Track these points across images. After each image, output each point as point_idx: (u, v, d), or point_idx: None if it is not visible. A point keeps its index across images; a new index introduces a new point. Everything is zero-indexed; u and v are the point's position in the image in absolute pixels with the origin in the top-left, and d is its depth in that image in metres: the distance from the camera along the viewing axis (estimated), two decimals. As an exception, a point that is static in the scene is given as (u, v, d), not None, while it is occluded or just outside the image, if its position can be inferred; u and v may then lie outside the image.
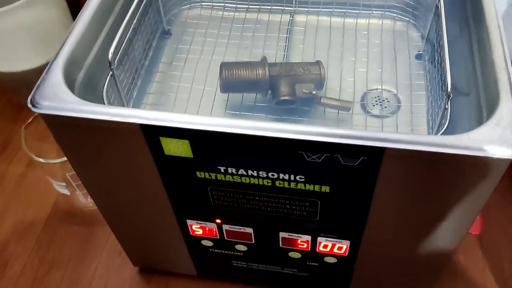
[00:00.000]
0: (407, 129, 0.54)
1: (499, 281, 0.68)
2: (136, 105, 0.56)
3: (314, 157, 0.41)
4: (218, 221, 0.53)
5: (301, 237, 0.53)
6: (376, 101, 0.56)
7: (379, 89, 0.57)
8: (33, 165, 0.82)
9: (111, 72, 0.48)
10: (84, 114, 0.40)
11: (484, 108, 0.43)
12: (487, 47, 0.45)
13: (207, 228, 0.55)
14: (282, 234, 0.54)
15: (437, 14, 0.54)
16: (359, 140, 0.39)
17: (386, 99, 0.56)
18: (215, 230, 0.55)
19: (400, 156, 0.40)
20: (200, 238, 0.57)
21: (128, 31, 0.52)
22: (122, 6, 0.53)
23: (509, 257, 0.70)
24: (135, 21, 0.53)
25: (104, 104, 0.47)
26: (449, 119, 0.46)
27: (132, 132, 0.42)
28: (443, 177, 0.41)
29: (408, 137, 0.39)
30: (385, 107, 0.56)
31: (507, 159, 0.38)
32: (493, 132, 0.38)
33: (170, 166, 0.46)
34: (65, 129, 0.43)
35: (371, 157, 0.40)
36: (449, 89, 0.44)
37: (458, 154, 0.38)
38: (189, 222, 0.54)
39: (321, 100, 0.53)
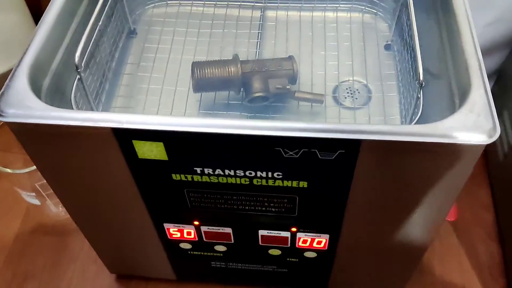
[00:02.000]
0: (380, 119, 0.54)
1: (475, 266, 0.69)
2: (106, 109, 0.54)
3: (291, 153, 0.40)
4: (196, 223, 0.53)
5: (280, 233, 0.53)
6: (347, 93, 0.56)
7: (350, 80, 0.57)
8: (-1, 177, 0.79)
9: (78, 76, 0.47)
10: (53, 121, 0.39)
11: (456, 96, 0.43)
12: (456, 35, 0.45)
13: (185, 231, 0.54)
14: (262, 232, 0.53)
15: (405, 5, 0.54)
16: (335, 134, 0.38)
17: (357, 90, 0.56)
18: (194, 232, 0.54)
19: (376, 147, 0.40)
20: (178, 241, 0.56)
21: (94, 32, 0.50)
22: (87, 7, 0.52)
23: (483, 242, 0.71)
24: (100, 22, 0.51)
25: (73, 109, 0.46)
26: (422, 108, 0.46)
27: (103, 137, 0.40)
28: (419, 165, 0.42)
29: (383, 128, 0.39)
30: (357, 98, 0.56)
31: (482, 145, 0.38)
32: (466, 119, 0.39)
33: (144, 170, 0.45)
34: (34, 137, 0.42)
35: (348, 150, 0.40)
36: (421, 78, 0.44)
37: (433, 143, 0.38)
38: (166, 225, 0.53)
39: (295, 94, 0.53)
